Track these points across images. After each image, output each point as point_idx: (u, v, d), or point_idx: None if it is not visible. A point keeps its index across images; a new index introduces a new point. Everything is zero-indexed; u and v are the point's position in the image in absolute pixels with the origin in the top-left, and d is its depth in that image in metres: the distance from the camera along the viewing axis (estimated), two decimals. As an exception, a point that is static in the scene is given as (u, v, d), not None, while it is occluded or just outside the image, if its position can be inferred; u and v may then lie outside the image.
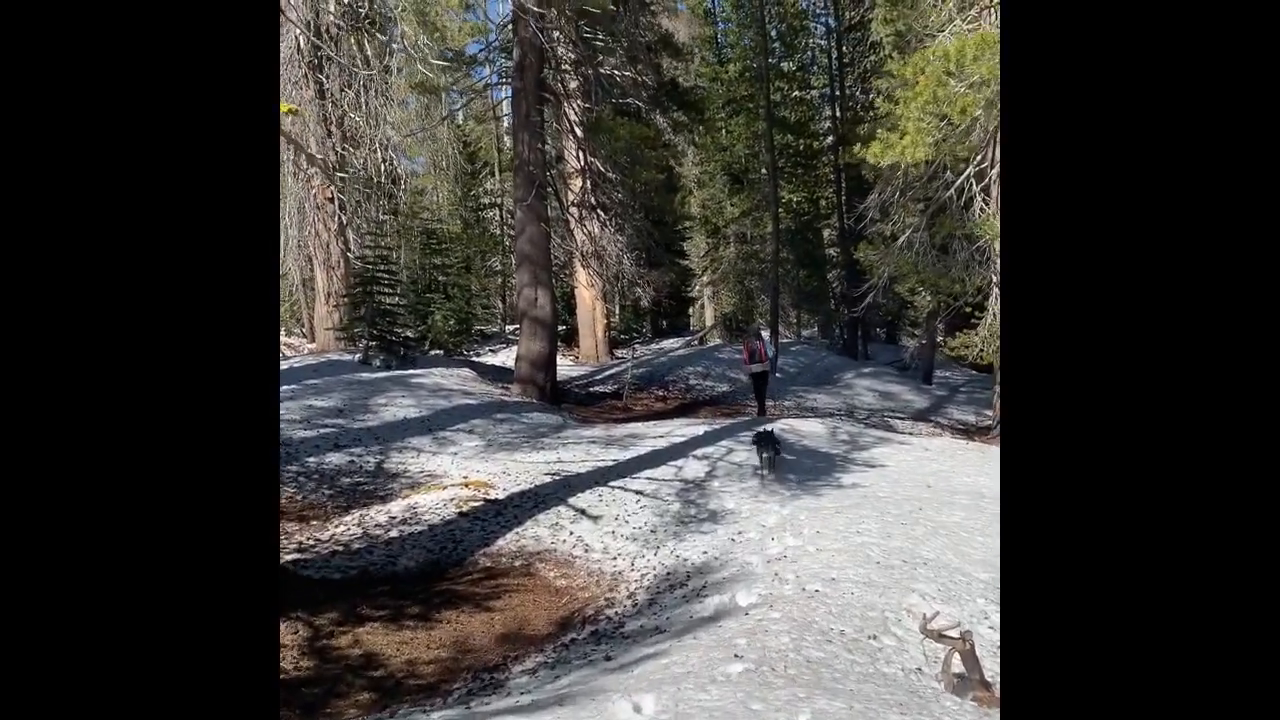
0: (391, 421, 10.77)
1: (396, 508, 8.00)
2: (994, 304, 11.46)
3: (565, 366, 20.08)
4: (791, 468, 9.01)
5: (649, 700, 3.53)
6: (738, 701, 3.48)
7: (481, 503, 8.12)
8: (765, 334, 18.60)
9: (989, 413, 15.91)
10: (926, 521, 6.75)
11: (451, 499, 8.20)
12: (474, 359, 21.02)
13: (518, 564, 6.99)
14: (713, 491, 8.26)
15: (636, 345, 25.07)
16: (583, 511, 7.82)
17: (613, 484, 8.50)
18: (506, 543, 7.32)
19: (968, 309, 11.98)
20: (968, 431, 13.51)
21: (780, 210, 21.24)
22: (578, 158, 16.44)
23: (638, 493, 8.27)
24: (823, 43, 22.77)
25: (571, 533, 7.43)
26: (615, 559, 6.91)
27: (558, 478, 8.74)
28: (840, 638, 4.47)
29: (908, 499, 7.54)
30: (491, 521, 7.69)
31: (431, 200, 32.70)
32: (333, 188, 17.76)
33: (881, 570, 5.53)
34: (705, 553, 6.61)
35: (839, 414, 14.24)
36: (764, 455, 8.45)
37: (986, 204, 11.63)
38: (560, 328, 26.77)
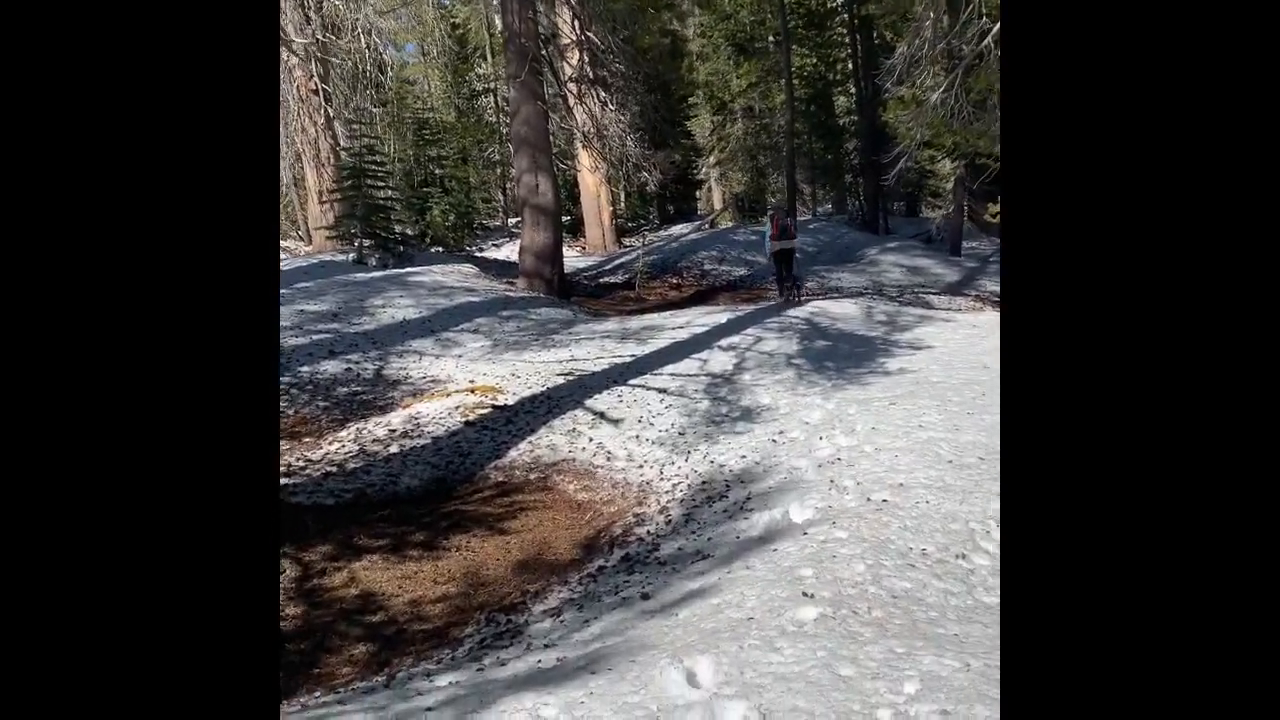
0: (390, 324, 9.93)
1: (397, 419, 7.23)
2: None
3: (572, 258, 19.13)
4: (828, 355, 8.17)
5: (705, 665, 2.77)
6: (819, 663, 2.72)
7: (490, 410, 7.34)
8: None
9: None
10: (995, 409, 5.91)
11: (457, 407, 7.42)
12: (476, 254, 20.04)
13: (533, 477, 6.24)
14: (744, 386, 7.43)
15: (645, 232, 23.93)
16: (601, 415, 7.04)
17: (632, 382, 7.69)
18: (520, 454, 6.56)
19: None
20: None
21: (793, 79, 19.68)
22: (573, 27, 15.03)
23: (661, 391, 7.46)
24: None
25: (591, 439, 6.66)
26: (641, 467, 6.15)
27: (571, 378, 7.94)
28: (924, 560, 3.70)
29: (967, 384, 6.70)
30: (502, 430, 6.92)
31: (423, 89, 31.05)
32: (315, 78, 16.48)
33: (956, 471, 4.73)
34: (744, 457, 5.82)
35: (868, 292, 13.29)
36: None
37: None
38: (565, 218, 25.73)
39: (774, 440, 6.00)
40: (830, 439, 5.65)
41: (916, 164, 25.63)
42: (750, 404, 6.97)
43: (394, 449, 6.60)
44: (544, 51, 13.86)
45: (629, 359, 8.42)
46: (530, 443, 6.68)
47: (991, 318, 10.20)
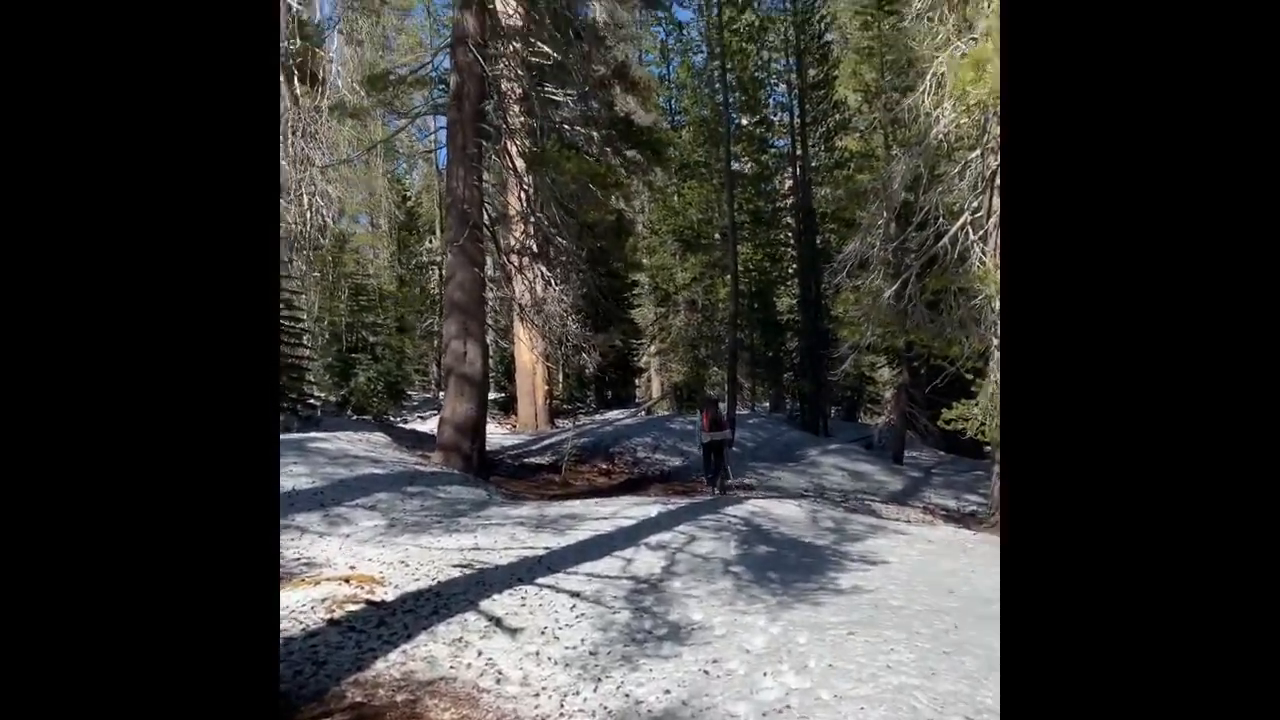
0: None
1: (246, 611, 5.86)
2: (995, 369, 9.85)
3: (500, 435, 18.08)
4: (772, 563, 7.11)
5: None
6: None
7: (363, 605, 6.03)
8: (723, 405, 16.76)
9: (971, 498, 14.26)
10: (973, 647, 4.87)
11: (324, 599, 6.09)
12: (397, 424, 18.85)
13: (400, 699, 4.90)
14: (673, 595, 6.29)
15: (581, 415, 23.06)
16: (498, 621, 5.78)
17: (541, 581, 6.48)
18: (389, 666, 5.23)
19: (967, 375, 10.33)
20: (961, 519, 11.75)
21: (738, 273, 19.60)
22: (519, 198, 14.73)
23: (574, 594, 6.26)
24: (783, 99, 21.60)
25: (480, 653, 5.38)
26: (538, 695, 4.88)
27: (470, 571, 6.70)
28: None
29: (934, 611, 5.66)
30: (372, 634, 5.60)
31: (365, 256, 30.73)
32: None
33: (942, 737, 3.61)
34: (669, 692, 4.61)
35: (810, 494, 12.40)
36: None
37: (984, 255, 10.11)
38: (498, 394, 24.86)
39: (706, 672, 4.82)
40: (777, 675, 4.51)
41: (857, 369, 25.72)
42: (679, 619, 5.80)
43: (230, 651, 5.22)
44: (486, 219, 13.39)
45: (541, 552, 7.25)
46: (404, 652, 5.37)
47: (946, 533, 9.30)
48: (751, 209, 21.64)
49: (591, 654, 5.31)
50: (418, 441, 14.39)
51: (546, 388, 21.51)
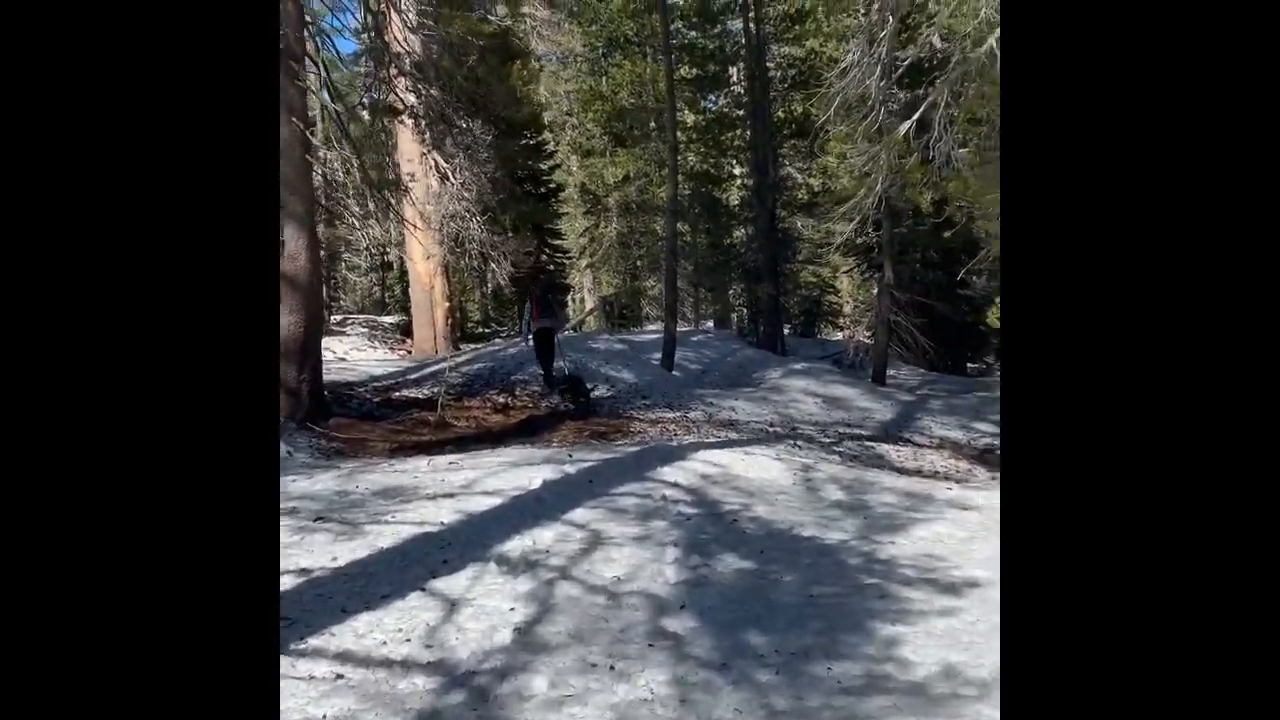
0: None
1: None
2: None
3: (373, 364, 14.13)
4: (755, 602, 3.45)
5: None
6: None
7: None
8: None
9: (981, 427, 10.85)
10: None
11: None
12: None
13: None
14: (535, 693, 2.60)
15: (499, 339, 19.08)
16: None
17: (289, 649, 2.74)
18: None
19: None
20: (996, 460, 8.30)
21: (679, 172, 15.35)
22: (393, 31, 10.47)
23: (337, 679, 2.55)
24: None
25: None
26: None
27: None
28: None
29: None
30: None
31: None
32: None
33: None
34: None
35: (785, 435, 8.76)
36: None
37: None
38: (396, 318, 20.81)
39: None
40: None
41: (818, 278, 22.13)
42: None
43: None
44: (308, 45, 9.20)
45: (294, 580, 3.51)
46: None
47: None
48: (693, 76, 17.55)
49: None
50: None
51: (447, 304, 17.45)
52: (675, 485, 5.17)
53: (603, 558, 3.88)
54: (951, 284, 15.07)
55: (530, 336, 10.48)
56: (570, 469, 5.50)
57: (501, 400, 10.78)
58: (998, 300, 5.92)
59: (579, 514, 4.52)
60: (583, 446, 7.21)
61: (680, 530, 4.28)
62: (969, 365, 18.32)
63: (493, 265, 12.77)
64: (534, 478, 5.23)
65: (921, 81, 8.19)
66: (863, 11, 8.02)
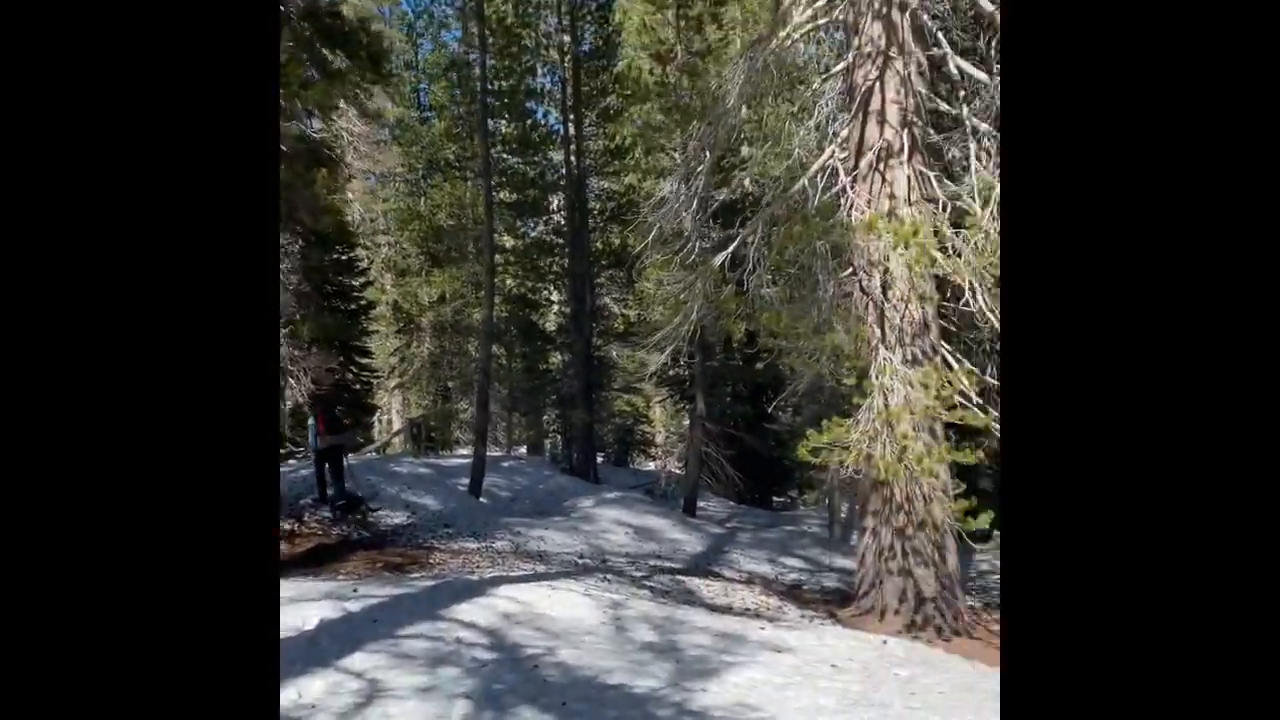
0: None
1: None
2: (881, 374, 6.40)
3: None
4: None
5: None
6: None
7: None
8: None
9: (790, 562, 10.91)
10: None
11: None
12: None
13: None
14: None
15: (294, 459, 17.65)
16: None
17: None
18: None
19: (842, 385, 6.80)
20: (814, 600, 8.14)
21: (496, 295, 15.07)
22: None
23: None
24: (555, 70, 17.76)
25: None
26: None
27: None
28: None
29: None
30: None
31: None
32: None
33: None
34: None
35: (589, 563, 8.35)
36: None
37: (860, 199, 6.74)
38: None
39: None
40: None
41: (631, 407, 22.25)
42: None
43: None
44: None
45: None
46: None
47: (847, 640, 5.51)
48: (513, 201, 17.59)
49: None
50: None
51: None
52: (472, 626, 4.65)
53: (379, 715, 3.32)
54: (759, 418, 15.49)
55: (314, 453, 9.78)
56: (353, 606, 4.87)
57: (288, 527, 9.79)
58: (808, 433, 5.89)
59: (357, 659, 3.92)
60: (373, 579, 6.51)
61: (474, 679, 3.77)
62: (774, 499, 18.72)
63: (291, 380, 11.98)
64: (309, 616, 4.57)
65: (734, 221, 8.43)
66: (679, 153, 8.24)
